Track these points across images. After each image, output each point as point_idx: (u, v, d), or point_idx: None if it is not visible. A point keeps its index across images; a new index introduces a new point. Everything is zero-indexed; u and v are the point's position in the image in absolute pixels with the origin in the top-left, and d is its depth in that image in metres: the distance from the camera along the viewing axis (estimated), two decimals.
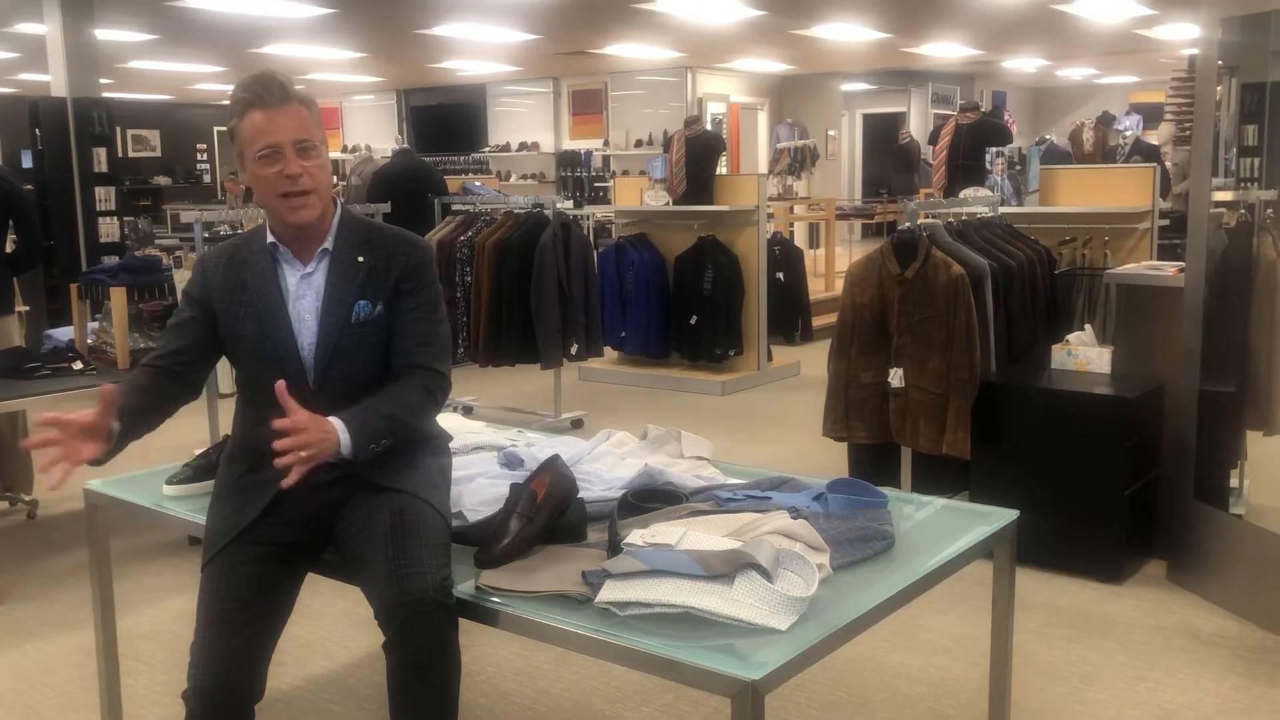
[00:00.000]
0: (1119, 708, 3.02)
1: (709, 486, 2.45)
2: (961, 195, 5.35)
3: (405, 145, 9.22)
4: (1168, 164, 8.53)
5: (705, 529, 2.02)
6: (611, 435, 2.81)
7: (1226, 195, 4.11)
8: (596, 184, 15.38)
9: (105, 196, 8.10)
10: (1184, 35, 12.26)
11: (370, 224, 2.40)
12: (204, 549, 2.23)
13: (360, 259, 2.30)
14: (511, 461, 2.66)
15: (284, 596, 2.20)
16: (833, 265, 11.02)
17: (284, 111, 2.19)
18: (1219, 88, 3.90)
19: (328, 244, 2.31)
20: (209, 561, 2.19)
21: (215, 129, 19.92)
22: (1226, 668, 3.24)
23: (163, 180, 18.67)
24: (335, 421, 2.13)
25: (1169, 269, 4.14)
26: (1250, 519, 3.96)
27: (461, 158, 16.29)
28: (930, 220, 4.54)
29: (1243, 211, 4.06)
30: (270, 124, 2.18)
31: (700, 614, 1.82)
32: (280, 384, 2.08)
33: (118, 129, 9.03)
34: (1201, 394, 3.82)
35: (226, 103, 2.30)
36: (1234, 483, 4.24)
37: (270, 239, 2.31)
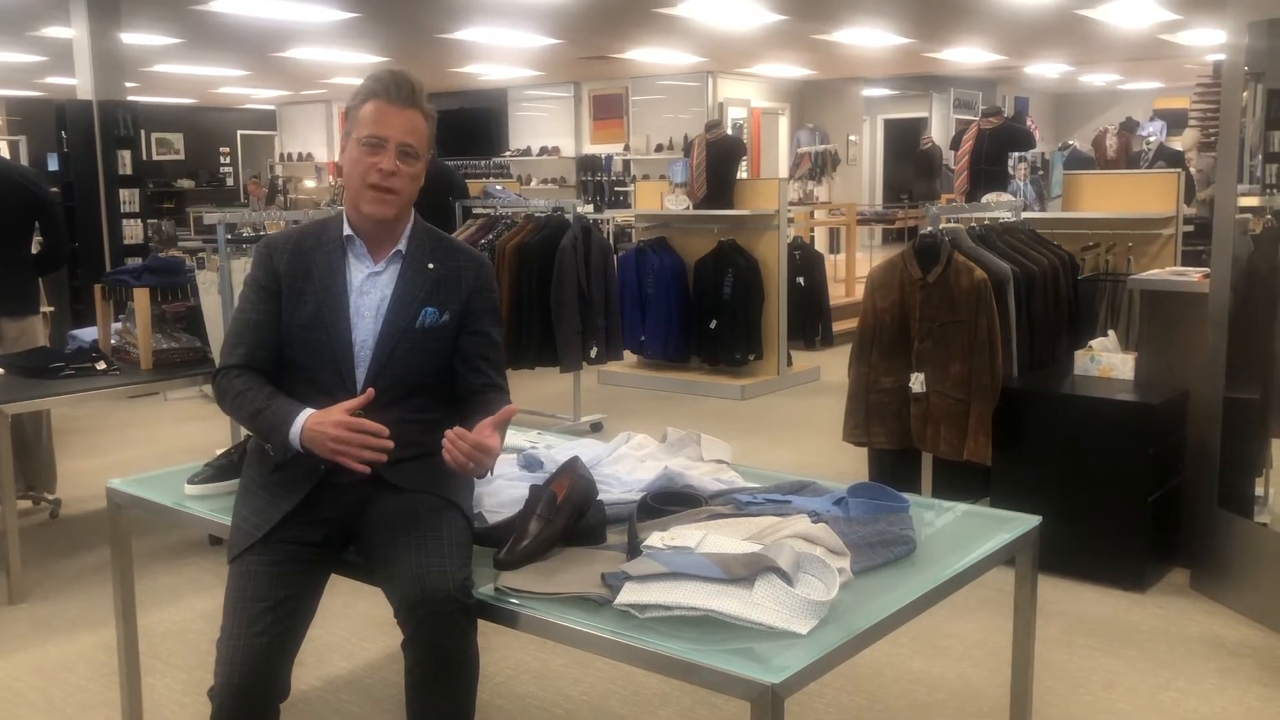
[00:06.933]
0: (1142, 717, 2.99)
1: (728, 490, 2.44)
2: (984, 200, 5.33)
3: None
4: (1192, 170, 8.47)
5: (725, 532, 2.01)
6: (631, 438, 2.81)
7: (1252, 201, 4.07)
8: (617, 188, 15.39)
9: (129, 199, 8.17)
10: (1209, 40, 12.18)
11: (441, 234, 2.46)
12: (230, 544, 2.24)
13: (431, 266, 2.35)
14: (531, 463, 2.66)
15: (310, 596, 2.20)
16: (853, 270, 10.99)
17: (404, 113, 2.28)
18: (1245, 93, 3.87)
19: (401, 246, 2.36)
20: (236, 558, 2.19)
21: (238, 132, 20.09)
22: (1252, 678, 3.21)
23: (186, 183, 18.85)
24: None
25: (1193, 275, 4.11)
26: (1275, 527, 3.92)
27: (482, 162, 16.33)
28: (952, 225, 4.52)
29: (1269, 217, 4.03)
30: (387, 118, 2.26)
31: (720, 617, 1.81)
32: (509, 408, 2.18)
33: (142, 132, 9.09)
34: (1226, 401, 3.78)
35: (253, 106, 2.33)
36: (1259, 490, 4.19)
37: (346, 231, 2.34)
